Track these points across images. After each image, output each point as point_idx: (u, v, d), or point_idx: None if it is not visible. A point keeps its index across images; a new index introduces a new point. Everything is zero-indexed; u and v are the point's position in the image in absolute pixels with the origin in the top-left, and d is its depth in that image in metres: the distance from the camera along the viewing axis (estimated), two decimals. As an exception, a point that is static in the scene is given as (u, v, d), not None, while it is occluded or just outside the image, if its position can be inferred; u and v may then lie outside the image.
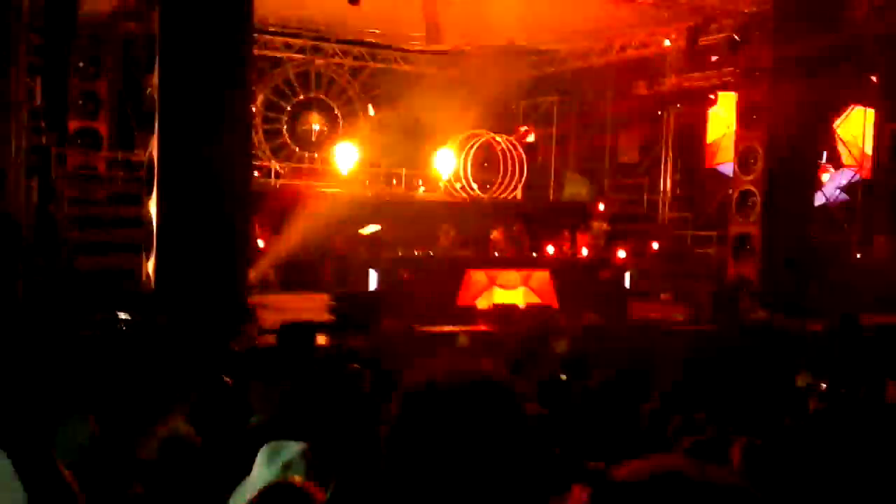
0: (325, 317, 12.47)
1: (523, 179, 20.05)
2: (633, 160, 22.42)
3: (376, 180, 20.13)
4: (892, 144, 19.47)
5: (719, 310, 14.68)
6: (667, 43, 18.84)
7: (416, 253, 15.98)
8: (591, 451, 4.25)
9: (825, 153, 19.42)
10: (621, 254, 17.76)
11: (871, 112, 19.45)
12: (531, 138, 21.40)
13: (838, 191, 19.86)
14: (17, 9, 10.21)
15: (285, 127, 21.15)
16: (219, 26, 10.99)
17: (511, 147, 19.94)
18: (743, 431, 4.47)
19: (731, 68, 17.66)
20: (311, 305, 13.49)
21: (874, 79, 19.18)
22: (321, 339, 11.47)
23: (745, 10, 15.85)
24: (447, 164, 19.58)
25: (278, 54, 20.51)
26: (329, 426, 4.62)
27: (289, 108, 21.16)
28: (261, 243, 15.92)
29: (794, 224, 15.82)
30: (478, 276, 14.87)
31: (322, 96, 21.51)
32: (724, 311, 14.60)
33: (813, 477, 3.15)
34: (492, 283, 14.90)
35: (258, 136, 19.76)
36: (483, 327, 13.26)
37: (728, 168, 18.04)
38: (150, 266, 11.41)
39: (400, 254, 15.33)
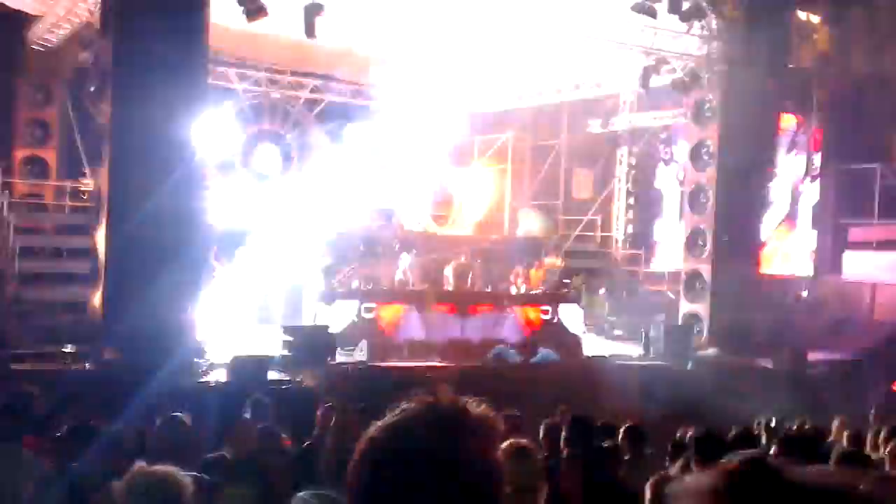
0: (277, 351, 12.26)
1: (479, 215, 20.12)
2: (588, 197, 22.66)
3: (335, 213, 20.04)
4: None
5: (671, 346, 14.77)
6: (620, 84, 19.15)
7: (369, 286, 15.89)
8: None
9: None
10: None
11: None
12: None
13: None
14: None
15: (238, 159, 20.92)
16: (172, 56, 10.86)
17: (466, 182, 20.02)
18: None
19: (681, 108, 17.99)
20: (262, 338, 13.29)
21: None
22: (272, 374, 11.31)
23: (695, 53, 16.19)
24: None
25: (232, 86, 20.37)
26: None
27: (243, 140, 20.95)
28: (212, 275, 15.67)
29: (743, 262, 16.04)
30: (437, 310, 14.82)
31: (276, 128, 21.36)
32: (676, 348, 14.71)
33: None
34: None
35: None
36: (438, 362, 13.15)
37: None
38: (97, 298, 11.14)
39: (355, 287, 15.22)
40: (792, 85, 17.71)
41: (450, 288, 16.68)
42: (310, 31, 13.60)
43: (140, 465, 2.82)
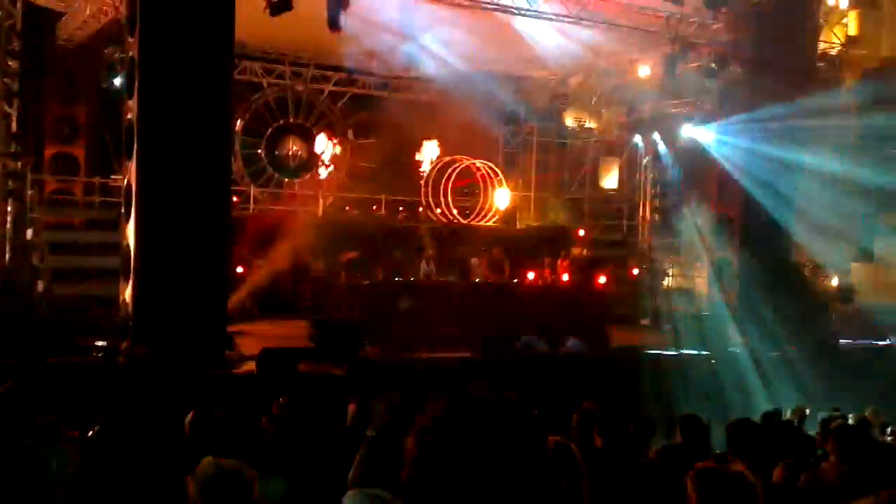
0: (305, 344, 12.32)
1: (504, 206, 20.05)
2: (613, 186, 22.53)
3: (356, 206, 20.11)
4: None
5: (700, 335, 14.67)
6: (646, 71, 19.02)
7: (396, 279, 15.92)
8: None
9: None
10: (601, 279, 17.78)
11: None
12: None
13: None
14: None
15: (263, 152, 21.04)
16: (199, 51, 10.92)
17: (491, 173, 19.95)
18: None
19: (707, 96, 17.83)
20: (290, 332, 13.36)
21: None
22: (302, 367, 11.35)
23: (723, 39, 16.04)
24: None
25: (257, 79, 20.46)
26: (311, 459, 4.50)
27: (268, 134, 21.07)
28: (239, 269, 15.77)
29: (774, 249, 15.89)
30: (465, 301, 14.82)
31: (301, 122, 21.44)
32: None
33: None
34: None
35: (237, 162, 19.65)
36: (467, 354, 13.13)
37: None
38: (128, 293, 11.24)
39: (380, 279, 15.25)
40: (820, 69, 17.48)
41: (477, 280, 16.69)
42: (333, 23, 13.62)
43: (208, 459, 2.85)
